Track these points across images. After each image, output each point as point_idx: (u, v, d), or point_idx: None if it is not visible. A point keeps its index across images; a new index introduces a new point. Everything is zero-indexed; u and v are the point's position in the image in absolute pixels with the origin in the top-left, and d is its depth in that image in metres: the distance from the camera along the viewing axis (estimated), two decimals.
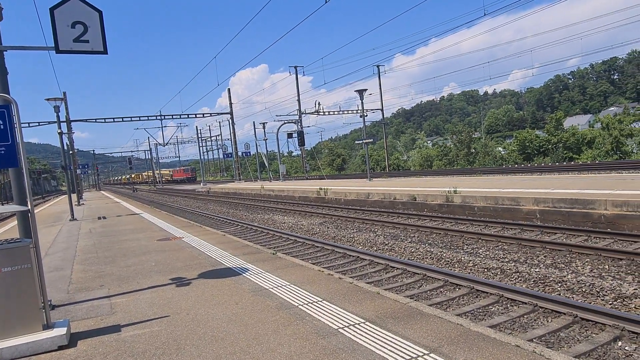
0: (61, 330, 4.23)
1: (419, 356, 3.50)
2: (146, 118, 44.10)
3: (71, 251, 10.04)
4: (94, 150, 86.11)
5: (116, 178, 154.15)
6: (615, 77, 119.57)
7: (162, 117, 45.44)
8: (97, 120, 41.84)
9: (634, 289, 5.99)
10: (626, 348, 4.45)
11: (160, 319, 4.82)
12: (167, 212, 21.11)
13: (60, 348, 4.15)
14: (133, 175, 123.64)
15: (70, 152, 31.03)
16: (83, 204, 30.63)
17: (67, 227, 15.69)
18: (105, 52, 5.12)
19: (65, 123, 36.96)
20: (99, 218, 18.27)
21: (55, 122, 19.37)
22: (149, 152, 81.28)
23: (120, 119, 42.28)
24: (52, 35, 5.04)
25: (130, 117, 42.91)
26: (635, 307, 5.48)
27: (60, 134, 19.21)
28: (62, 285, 6.75)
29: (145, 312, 5.08)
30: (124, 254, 9.13)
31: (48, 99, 18.22)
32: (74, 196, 25.04)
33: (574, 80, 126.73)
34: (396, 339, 3.84)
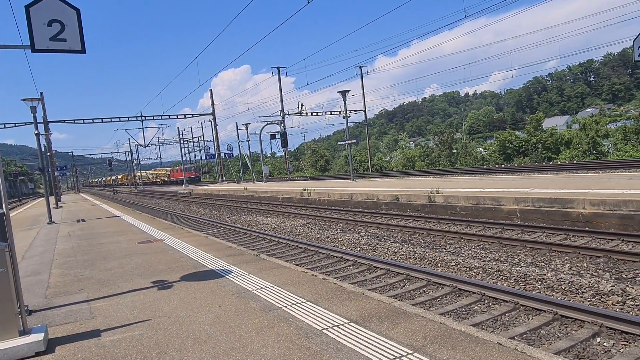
0: (38, 336, 4.12)
1: (402, 356, 3.51)
2: (126, 119, 43.38)
3: (49, 255, 9.81)
4: (72, 152, 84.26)
5: (99, 179, 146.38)
6: (592, 79, 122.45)
7: (143, 118, 44.77)
8: (76, 121, 40.99)
9: (612, 286, 6.12)
10: (604, 344, 4.54)
11: (141, 322, 4.74)
12: (149, 215, 20.82)
13: (38, 354, 4.05)
14: (120, 177, 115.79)
15: (48, 153, 30.37)
16: (61, 206, 30.00)
17: (44, 230, 15.34)
18: (83, 51, 5.01)
19: (43, 124, 36.19)
20: (78, 221, 17.92)
21: (32, 123, 18.90)
22: (129, 153, 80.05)
23: (100, 120, 41.49)
24: (28, 33, 4.91)
25: (110, 118, 42.16)
26: (612, 304, 5.60)
27: (38, 135, 18.75)
28: (39, 290, 6.59)
29: (126, 316, 4.99)
30: (103, 257, 8.96)
31: (24, 100, 17.77)
32: (51, 199, 24.51)
33: (552, 82, 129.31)
34: (380, 339, 3.85)
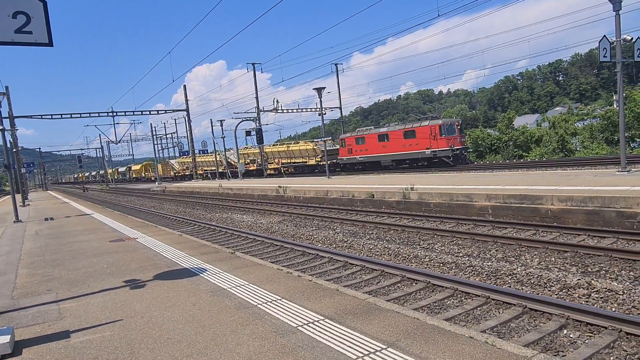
0: (4, 338, 3.99)
1: (376, 351, 3.54)
2: (97, 115, 42.26)
3: (15, 254, 9.50)
4: (40, 148, 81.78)
5: (75, 176, 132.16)
6: (560, 78, 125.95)
7: (114, 114, 43.73)
8: (44, 117, 39.67)
9: (578, 279, 6.33)
10: (571, 335, 4.70)
11: (112, 323, 4.64)
12: (120, 212, 20.39)
13: (4, 357, 3.92)
14: (110, 170, 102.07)
15: (14, 150, 29.36)
16: (28, 204, 29.08)
17: (10, 229, 14.83)
18: (50, 44, 4.85)
19: (8, 119, 34.94)
20: (46, 219, 17.40)
21: None
22: (100, 150, 78.08)
23: (69, 116, 40.33)
24: None
25: (80, 114, 40.99)
26: (578, 297, 5.79)
27: (3, 130, 18.11)
28: (5, 291, 6.37)
29: (97, 317, 4.88)
30: (73, 256, 8.74)
31: None
32: (18, 197, 23.73)
33: (523, 81, 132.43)
34: (355, 335, 3.88)
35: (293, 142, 46.96)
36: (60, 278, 6.93)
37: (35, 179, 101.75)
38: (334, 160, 39.07)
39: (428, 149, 30.67)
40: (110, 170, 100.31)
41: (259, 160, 48.82)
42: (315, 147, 41.74)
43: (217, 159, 50.54)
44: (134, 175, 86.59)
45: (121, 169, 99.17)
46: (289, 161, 45.18)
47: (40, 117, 39.66)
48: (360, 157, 36.43)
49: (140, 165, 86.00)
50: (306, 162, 42.81)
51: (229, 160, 51.76)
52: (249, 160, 51.03)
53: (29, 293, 6.17)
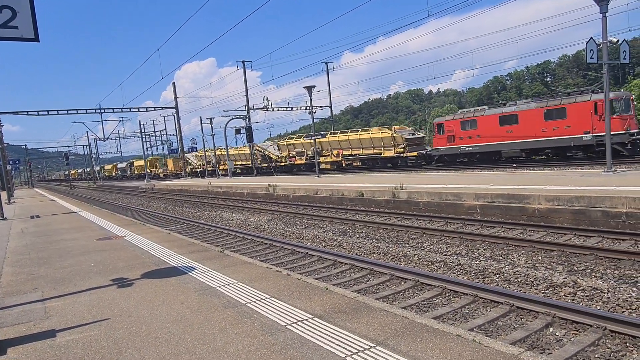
0: None
1: (365, 349, 3.55)
2: (84, 111, 41.83)
3: (0, 253, 9.35)
4: (26, 145, 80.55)
5: (66, 173, 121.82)
6: (548, 79, 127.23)
7: (102, 111, 43.32)
8: (30, 113, 39.13)
9: (564, 278, 6.41)
10: (557, 333, 4.76)
11: (99, 322, 4.60)
12: (108, 210, 20.18)
13: None
14: (108, 167, 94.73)
15: (0, 146, 28.90)
16: (14, 202, 28.66)
17: None
18: (36, 39, 4.77)
19: None
20: (32, 217, 17.17)
21: None
22: (87, 147, 77.17)
23: (56, 112, 39.80)
24: None
25: (67, 110, 40.50)
26: (564, 295, 5.86)
27: None
28: None
29: (84, 316, 4.83)
30: (60, 254, 8.63)
31: None
32: (3, 194, 23.37)
33: (511, 82, 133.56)
34: (343, 333, 3.89)
35: (361, 129, 38.50)
36: (47, 276, 6.84)
37: (21, 176, 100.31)
38: (423, 152, 31.85)
39: (587, 132, 22.22)
40: (109, 166, 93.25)
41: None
42: (395, 135, 33.08)
43: (247, 152, 45.43)
44: (136, 172, 76.66)
45: (121, 165, 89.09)
46: (353, 153, 36.67)
47: (26, 113, 39.12)
48: (468, 147, 27.60)
49: (143, 161, 75.74)
50: (380, 153, 34.06)
51: (266, 152, 45.43)
52: (294, 153, 42.41)
53: (14, 292, 6.09)
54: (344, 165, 37.67)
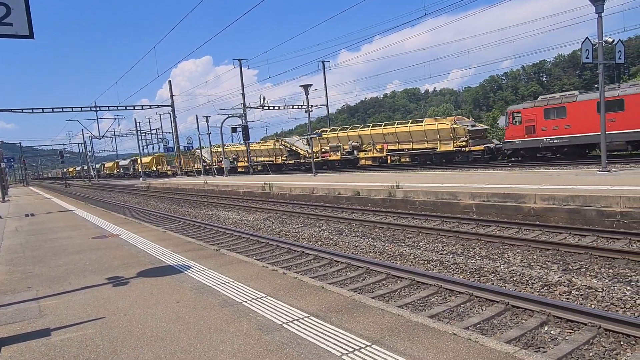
0: None
1: (361, 348, 3.56)
2: (79, 109, 41.54)
3: None
4: (20, 143, 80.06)
5: (64, 170, 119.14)
6: (544, 79, 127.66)
7: (98, 109, 43.07)
8: (24, 111, 38.87)
9: (559, 277, 6.43)
10: (552, 332, 4.78)
11: (94, 320, 4.58)
12: (103, 209, 20.11)
13: None
14: (109, 164, 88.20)
15: None
16: (8, 200, 28.51)
17: None
18: (31, 36, 4.74)
19: None
20: (27, 215, 17.08)
21: None
22: (83, 145, 76.77)
23: (51, 110, 39.56)
24: None
25: (62, 108, 40.23)
26: (559, 294, 5.89)
27: None
28: None
29: (79, 314, 4.81)
30: (54, 253, 8.59)
31: None
32: None
33: (507, 81, 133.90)
34: (339, 332, 3.89)
35: (410, 120, 34.11)
36: (41, 275, 6.81)
37: (15, 174, 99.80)
38: (490, 145, 27.90)
39: None
40: (110, 164, 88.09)
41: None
42: (455, 126, 28.54)
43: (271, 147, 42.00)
44: (139, 170, 71.52)
45: (123, 163, 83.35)
46: (401, 147, 32.16)
47: (20, 110, 38.85)
48: (553, 139, 23.39)
49: (150, 158, 69.52)
50: (435, 147, 29.70)
51: (293, 148, 40.83)
52: (327, 148, 37.29)
53: (8, 290, 6.05)
54: (389, 161, 33.79)
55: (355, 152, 35.01)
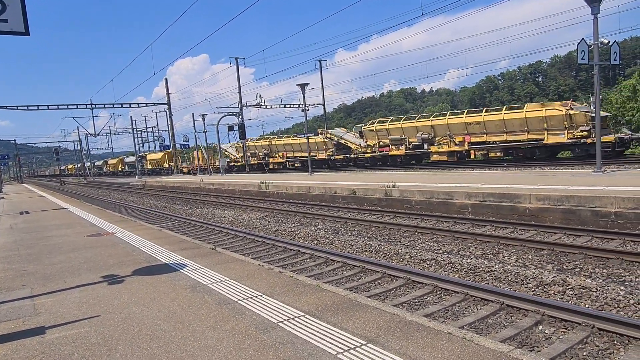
0: None
1: (357, 346, 3.56)
2: (75, 106, 41.39)
3: None
4: (15, 140, 79.72)
5: (62, 167, 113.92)
6: (540, 79, 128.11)
7: (93, 106, 42.91)
8: (19, 108, 38.62)
9: (553, 277, 6.47)
10: (546, 331, 4.80)
11: (89, 319, 4.56)
12: (99, 207, 20.03)
13: None
14: (113, 161, 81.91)
15: None
16: (3, 197, 28.35)
17: None
18: (26, 33, 4.72)
19: None
20: (22, 213, 16.99)
21: None
22: (78, 142, 76.42)
23: (46, 107, 39.33)
24: None
25: (57, 105, 40.02)
26: (554, 293, 5.92)
27: None
28: None
29: (73, 313, 4.79)
30: (49, 251, 8.55)
31: None
32: None
33: (504, 81, 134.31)
34: (335, 331, 3.89)
35: (506, 106, 28.64)
36: (36, 273, 6.78)
37: (10, 171, 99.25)
38: (624, 136, 22.99)
39: None
40: (114, 161, 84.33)
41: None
42: (573, 112, 22.97)
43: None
44: (149, 167, 66.56)
45: (129, 159, 76.81)
46: (489, 139, 26.55)
47: (15, 107, 38.60)
48: None
49: (162, 154, 62.69)
50: (541, 139, 24.22)
51: (342, 141, 35.97)
52: (388, 141, 31.48)
53: (2, 288, 6.02)
54: (472, 156, 28.42)
55: (426, 146, 29.47)
